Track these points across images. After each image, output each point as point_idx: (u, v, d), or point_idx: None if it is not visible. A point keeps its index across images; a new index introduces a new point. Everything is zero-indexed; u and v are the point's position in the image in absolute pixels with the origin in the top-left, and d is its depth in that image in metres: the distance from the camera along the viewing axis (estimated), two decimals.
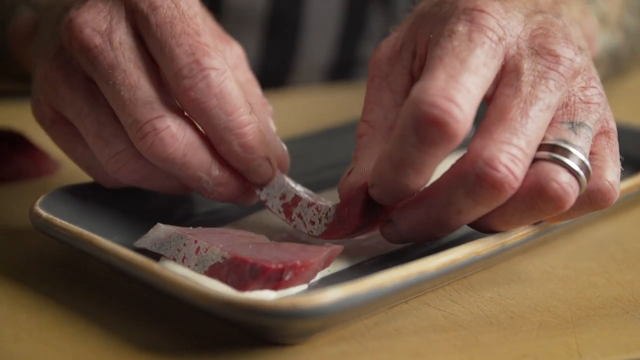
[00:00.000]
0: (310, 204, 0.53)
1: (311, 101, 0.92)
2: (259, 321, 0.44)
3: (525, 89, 0.48)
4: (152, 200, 0.58)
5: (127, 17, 0.53)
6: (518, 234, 0.51)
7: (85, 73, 0.54)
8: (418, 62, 0.53)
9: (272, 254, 0.49)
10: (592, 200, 0.51)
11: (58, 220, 0.50)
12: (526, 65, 0.49)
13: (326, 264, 0.50)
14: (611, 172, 0.51)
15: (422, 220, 0.50)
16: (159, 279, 0.46)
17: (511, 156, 0.46)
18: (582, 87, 0.51)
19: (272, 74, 0.61)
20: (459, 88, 0.46)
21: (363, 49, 1.02)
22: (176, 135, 0.52)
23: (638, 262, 0.56)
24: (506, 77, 0.49)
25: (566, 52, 0.50)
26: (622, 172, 0.52)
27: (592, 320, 0.50)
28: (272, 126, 0.58)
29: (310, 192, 0.56)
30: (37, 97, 0.56)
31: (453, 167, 0.48)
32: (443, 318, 0.49)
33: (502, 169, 0.46)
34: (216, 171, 0.54)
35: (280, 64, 0.96)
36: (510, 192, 0.47)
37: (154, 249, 0.52)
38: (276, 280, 0.47)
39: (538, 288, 0.53)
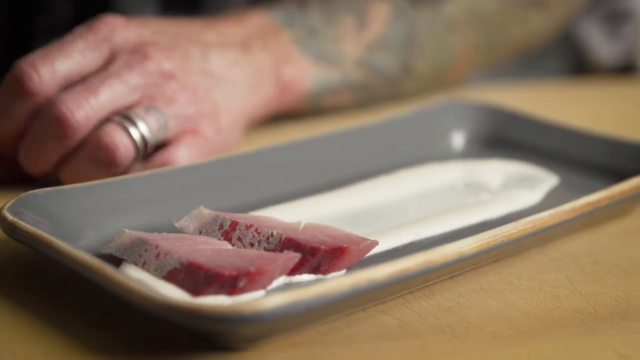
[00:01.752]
0: (248, 226, 0.54)
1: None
2: (200, 325, 0.44)
3: (112, 69, 0.63)
4: (129, 207, 0.59)
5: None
6: (476, 244, 0.51)
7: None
8: None
9: (229, 261, 0.50)
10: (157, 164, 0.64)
11: (21, 224, 0.51)
12: (122, 56, 0.64)
13: (283, 271, 0.50)
14: (184, 151, 0.65)
15: (20, 156, 0.63)
16: (108, 281, 0.46)
17: (77, 103, 0.60)
18: (174, 89, 0.65)
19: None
20: (47, 59, 0.62)
21: None
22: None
23: (606, 274, 0.56)
24: (104, 63, 0.64)
25: (158, 57, 0.64)
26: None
27: (549, 331, 0.50)
28: None
29: None
30: None
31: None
32: (397, 326, 0.49)
33: (65, 108, 0.60)
34: None
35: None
36: (70, 127, 0.60)
37: (118, 255, 0.53)
38: (230, 287, 0.48)
39: (499, 299, 0.53)
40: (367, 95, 0.85)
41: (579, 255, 0.58)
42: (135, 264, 0.51)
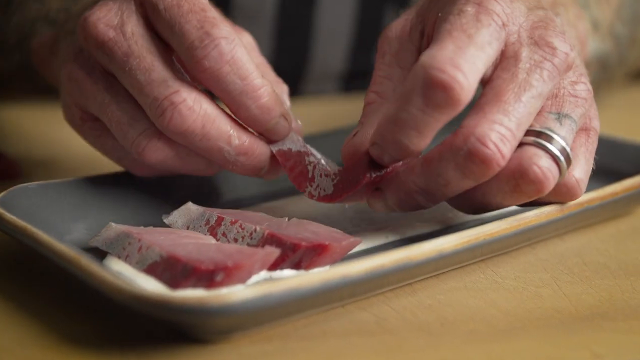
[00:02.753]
0: (233, 222, 0.54)
1: (324, 110, 0.93)
2: (169, 317, 0.45)
3: (522, 75, 0.52)
4: (121, 202, 0.60)
5: (137, 10, 0.57)
6: (457, 242, 0.51)
7: (103, 67, 0.57)
8: (426, 40, 0.57)
9: (208, 255, 0.50)
10: (557, 192, 0.54)
11: (7, 215, 0.52)
12: (524, 53, 0.53)
13: (262, 265, 0.51)
14: (580, 170, 0.55)
15: (410, 189, 0.53)
16: (83, 272, 0.47)
17: (501, 136, 0.50)
18: (573, 81, 0.55)
19: (283, 79, 0.64)
20: (466, 59, 0.49)
21: None
22: (193, 107, 0.54)
23: (593, 275, 0.56)
24: (505, 61, 0.53)
25: (562, 46, 0.53)
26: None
27: (526, 330, 0.50)
28: (287, 101, 0.61)
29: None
30: (65, 100, 0.60)
31: (445, 141, 0.51)
32: (374, 323, 0.50)
33: (492, 146, 0.50)
34: (236, 140, 0.56)
35: (292, 69, 0.96)
36: (496, 169, 0.50)
37: (103, 248, 0.53)
38: (207, 280, 0.48)
39: (481, 297, 0.53)
40: (601, 74, 0.80)
41: (568, 256, 0.58)
42: (119, 257, 0.52)
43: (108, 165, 0.62)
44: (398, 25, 0.59)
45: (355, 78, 1.00)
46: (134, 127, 0.56)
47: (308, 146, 0.59)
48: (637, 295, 0.53)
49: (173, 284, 0.49)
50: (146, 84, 0.55)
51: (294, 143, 0.58)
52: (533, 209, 0.55)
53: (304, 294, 0.46)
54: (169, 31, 0.55)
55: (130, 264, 0.51)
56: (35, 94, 0.87)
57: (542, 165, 0.51)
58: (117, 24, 0.56)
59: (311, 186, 0.57)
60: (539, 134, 0.52)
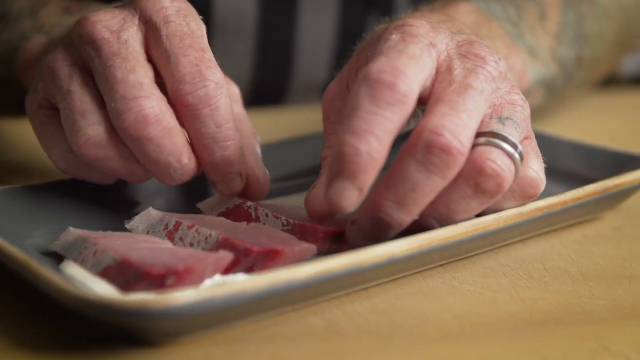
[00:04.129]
0: (190, 227, 0.55)
1: (307, 120, 0.93)
2: (114, 319, 0.45)
3: (458, 78, 0.53)
4: (84, 207, 0.60)
5: (139, 25, 0.58)
6: (408, 247, 0.51)
7: (83, 65, 0.58)
8: None
9: (161, 259, 0.50)
10: (521, 187, 0.56)
11: None
12: (457, 64, 0.54)
13: (215, 270, 0.51)
14: (535, 162, 0.56)
15: (382, 206, 0.52)
16: (31, 274, 0.48)
17: (454, 124, 0.51)
18: (507, 91, 0.56)
19: (267, 91, 0.64)
20: (402, 64, 0.51)
21: None
22: (159, 117, 0.55)
23: (552, 280, 0.56)
24: (440, 75, 0.54)
25: (491, 56, 0.55)
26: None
27: (477, 335, 0.50)
28: (258, 151, 0.62)
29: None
30: (34, 86, 0.61)
31: (403, 147, 0.52)
32: (324, 327, 0.50)
33: (447, 134, 0.50)
34: (185, 159, 0.57)
35: (275, 82, 0.96)
36: (458, 157, 0.51)
37: (62, 252, 0.54)
38: (158, 285, 0.49)
39: (436, 302, 0.53)
40: (548, 96, 0.82)
41: (530, 261, 0.58)
42: (76, 261, 0.52)
43: None
44: (335, 86, 0.60)
45: None
46: (86, 118, 0.56)
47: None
48: (594, 301, 0.53)
49: (125, 287, 0.49)
50: (121, 81, 0.55)
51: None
52: (491, 214, 0.55)
53: (249, 297, 0.46)
54: (164, 58, 0.57)
55: (85, 267, 0.51)
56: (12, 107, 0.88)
57: (496, 159, 0.52)
58: (116, 30, 0.57)
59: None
60: (487, 135, 0.53)
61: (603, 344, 0.49)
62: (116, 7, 0.59)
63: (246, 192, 0.60)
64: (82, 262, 0.52)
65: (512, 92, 0.56)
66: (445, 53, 0.55)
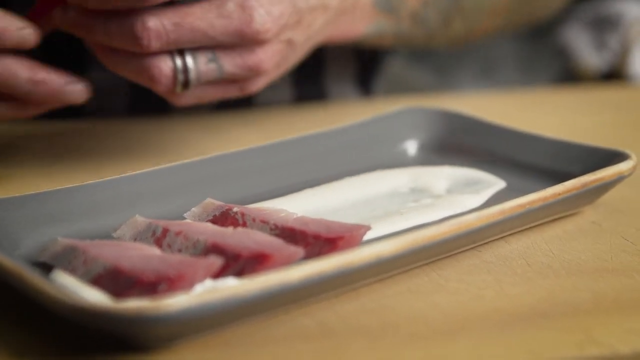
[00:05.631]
0: (177, 233, 0.55)
1: (278, 122, 0.93)
2: (108, 326, 0.46)
3: (211, 15, 0.63)
4: (69, 217, 0.60)
5: None
6: (395, 247, 0.52)
7: None
8: None
9: (151, 266, 0.51)
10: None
11: None
12: (228, 6, 0.63)
13: (205, 275, 0.52)
14: (191, 95, 0.68)
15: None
16: (23, 283, 0.48)
17: (157, 32, 0.62)
18: (252, 50, 0.66)
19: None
20: None
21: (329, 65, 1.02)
22: None
23: (535, 276, 0.57)
24: (209, 1, 0.64)
25: (260, 23, 0.64)
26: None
27: (464, 331, 0.50)
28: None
29: None
30: None
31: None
32: (316, 328, 0.51)
33: (146, 34, 0.62)
34: (24, 73, 0.64)
35: None
36: (136, 48, 0.62)
37: (50, 262, 0.54)
38: (150, 291, 0.49)
39: (424, 300, 0.54)
40: (404, 43, 0.88)
41: (513, 257, 0.59)
42: (65, 270, 0.53)
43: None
44: None
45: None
46: None
47: None
48: (577, 294, 0.54)
49: (117, 295, 0.49)
50: None
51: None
52: (473, 213, 0.56)
53: (243, 301, 0.47)
54: None
55: (76, 276, 0.52)
56: None
57: (162, 69, 0.64)
58: None
59: None
60: (182, 54, 0.64)
61: (589, 335, 0.50)
62: None
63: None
64: (72, 271, 0.52)
65: (255, 54, 0.65)
66: None
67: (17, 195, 0.59)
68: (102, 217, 0.61)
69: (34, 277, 0.48)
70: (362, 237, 0.57)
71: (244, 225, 0.58)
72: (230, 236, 0.55)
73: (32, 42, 0.65)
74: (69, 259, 0.53)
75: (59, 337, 0.50)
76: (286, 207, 0.62)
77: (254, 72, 0.66)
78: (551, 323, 0.51)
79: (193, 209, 0.61)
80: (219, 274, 0.53)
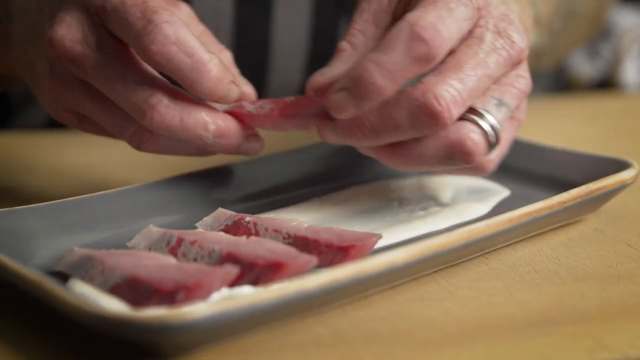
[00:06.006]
0: (192, 242, 0.56)
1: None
2: (131, 335, 0.46)
3: (482, 54, 0.58)
4: (82, 227, 0.61)
5: (93, 19, 0.61)
6: (408, 255, 0.53)
7: (79, 78, 0.61)
8: (403, 6, 0.61)
9: (169, 275, 0.52)
10: (474, 166, 0.62)
11: None
12: (488, 38, 0.59)
13: (222, 283, 0.52)
14: (498, 152, 0.62)
15: (362, 124, 0.58)
16: (46, 294, 0.49)
17: (453, 98, 0.56)
18: (518, 74, 0.61)
19: None
20: (445, 26, 0.56)
21: None
22: (169, 105, 0.59)
23: (543, 282, 0.58)
24: (470, 39, 0.59)
25: (520, 42, 0.60)
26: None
27: (477, 337, 0.51)
28: (233, 68, 0.66)
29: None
30: (52, 108, 0.65)
31: (404, 90, 0.57)
32: (330, 335, 0.51)
33: (444, 104, 0.56)
34: (212, 125, 0.61)
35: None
36: (441, 126, 0.56)
37: (67, 271, 0.55)
38: (169, 300, 0.50)
39: (435, 307, 0.55)
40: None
41: (520, 264, 0.60)
42: (83, 280, 0.53)
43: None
44: None
45: None
46: (126, 127, 0.61)
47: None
48: (585, 301, 0.55)
49: (135, 304, 0.50)
50: (123, 91, 0.59)
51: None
52: (483, 221, 0.57)
53: (261, 309, 0.48)
54: (118, 28, 0.59)
55: (93, 285, 0.52)
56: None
57: (477, 140, 0.58)
58: (82, 38, 0.60)
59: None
60: (480, 114, 0.58)
61: (599, 341, 0.51)
62: (62, 10, 0.61)
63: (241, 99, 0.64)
64: (89, 281, 0.53)
65: (523, 77, 0.61)
66: (485, 20, 0.59)
67: (31, 205, 0.60)
68: (115, 226, 0.62)
69: (55, 287, 0.49)
70: (373, 246, 0.58)
71: (257, 234, 0.59)
72: (244, 245, 0.56)
73: (254, 154, 0.65)
74: (86, 269, 0.54)
75: (75, 345, 0.51)
76: (296, 216, 0.63)
77: (528, 93, 0.62)
78: (561, 329, 0.52)
79: (205, 218, 0.62)
80: (234, 283, 0.53)
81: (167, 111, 0.59)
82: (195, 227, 0.62)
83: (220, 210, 0.62)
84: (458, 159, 0.58)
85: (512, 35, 0.60)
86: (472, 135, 0.58)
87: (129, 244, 0.59)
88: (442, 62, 0.57)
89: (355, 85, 0.57)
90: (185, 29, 0.59)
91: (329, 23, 0.99)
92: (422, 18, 0.56)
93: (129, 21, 0.58)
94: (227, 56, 0.67)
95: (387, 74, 0.56)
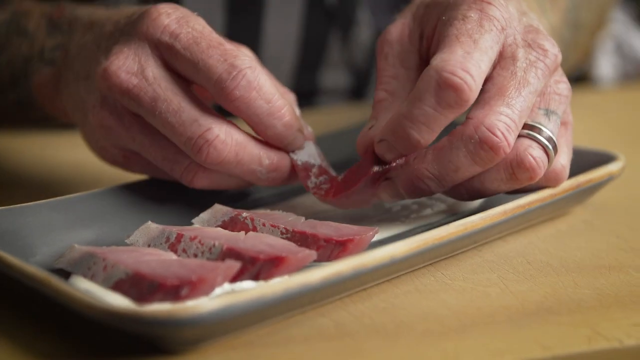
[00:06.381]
0: (192, 238, 0.57)
1: None
2: (142, 330, 0.47)
3: (520, 73, 0.58)
4: (81, 224, 0.61)
5: (153, 52, 0.61)
6: (407, 247, 0.54)
7: (131, 111, 0.61)
8: (426, 43, 0.62)
9: (171, 270, 0.52)
10: (547, 178, 0.61)
11: None
12: (521, 54, 0.59)
13: (224, 278, 0.53)
14: (564, 157, 0.62)
15: (422, 175, 0.59)
16: (55, 292, 0.49)
17: (507, 126, 0.56)
18: (556, 80, 0.62)
19: None
20: (473, 63, 0.56)
21: (322, 77, 1.05)
22: (225, 141, 0.59)
23: (537, 273, 0.59)
24: (503, 61, 0.59)
25: (552, 49, 0.60)
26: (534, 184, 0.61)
27: (476, 327, 0.52)
28: (297, 109, 0.66)
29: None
30: (99, 144, 0.64)
31: (455, 131, 0.57)
32: (333, 328, 0.52)
33: (500, 134, 0.56)
34: (266, 160, 0.62)
35: None
36: (502, 156, 0.57)
37: (68, 269, 0.55)
38: (173, 295, 0.50)
39: (432, 299, 0.56)
40: None
41: (513, 256, 0.61)
42: (85, 276, 0.54)
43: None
44: (396, 29, 0.64)
45: (301, 98, 1.02)
46: (178, 162, 0.61)
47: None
48: (579, 290, 0.57)
49: (140, 299, 0.51)
50: (178, 126, 0.59)
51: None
52: (478, 214, 0.58)
53: (268, 302, 0.48)
54: (191, 68, 0.60)
55: (96, 282, 0.53)
56: (28, 124, 0.88)
57: (535, 155, 0.58)
58: (138, 70, 0.60)
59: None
60: (531, 127, 0.59)
61: (595, 330, 0.52)
62: (121, 42, 0.61)
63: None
64: (91, 277, 0.53)
65: (561, 81, 0.62)
66: (512, 38, 0.59)
67: (29, 203, 0.60)
68: (112, 223, 0.62)
69: (63, 284, 0.49)
70: (370, 240, 0.58)
71: (254, 229, 0.60)
72: (243, 241, 0.57)
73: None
74: (88, 266, 0.54)
75: (79, 341, 0.51)
76: (292, 211, 0.63)
77: (570, 97, 0.62)
78: (557, 318, 0.53)
79: (201, 214, 0.62)
80: (235, 278, 0.54)
81: (223, 147, 0.59)
82: (192, 224, 0.62)
83: (217, 206, 0.62)
84: (521, 177, 0.58)
85: (544, 44, 0.60)
86: (530, 150, 0.58)
87: (127, 241, 0.59)
88: (483, 91, 0.58)
89: (393, 138, 0.58)
90: (264, 75, 0.60)
91: (318, 33, 1.00)
92: (448, 62, 0.55)
93: (208, 64, 0.59)
94: (292, 98, 0.67)
95: (421, 126, 0.56)
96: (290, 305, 0.51)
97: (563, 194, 0.63)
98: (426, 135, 0.57)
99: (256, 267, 0.54)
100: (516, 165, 0.58)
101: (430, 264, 0.60)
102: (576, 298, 0.56)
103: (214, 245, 0.56)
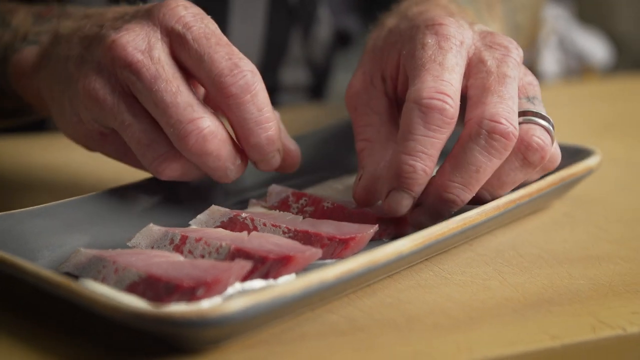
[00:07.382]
0: (197, 239, 0.57)
1: None
2: (169, 330, 0.47)
3: (494, 69, 0.61)
4: (81, 228, 0.62)
5: (162, 38, 0.61)
6: (413, 244, 0.55)
7: (124, 89, 0.61)
8: (390, 83, 0.66)
9: (184, 272, 0.53)
10: (550, 160, 0.64)
11: None
12: (487, 56, 0.62)
13: (236, 278, 0.54)
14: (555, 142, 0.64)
15: (448, 188, 0.60)
16: (77, 296, 0.49)
17: (506, 111, 0.59)
18: (524, 73, 0.64)
19: None
20: (445, 84, 0.58)
21: (283, 74, 1.06)
22: (215, 133, 0.60)
23: (531, 265, 0.61)
24: (474, 68, 0.61)
25: (512, 44, 0.63)
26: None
27: (484, 319, 0.54)
28: (282, 126, 0.66)
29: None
30: (77, 117, 0.64)
31: (462, 136, 0.59)
32: (345, 323, 0.53)
33: (504, 121, 0.58)
34: (238, 160, 0.62)
35: None
36: (514, 140, 0.59)
37: (76, 273, 0.55)
38: (189, 296, 0.51)
39: (436, 292, 0.57)
40: None
41: (504, 250, 0.63)
42: (95, 280, 0.54)
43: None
44: (358, 80, 0.67)
45: None
46: (153, 149, 0.61)
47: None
48: (575, 281, 0.59)
49: (157, 300, 0.51)
50: (172, 106, 0.59)
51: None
52: (474, 209, 0.59)
53: (289, 300, 0.49)
54: (197, 60, 0.60)
55: (108, 285, 0.53)
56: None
57: (539, 135, 0.60)
58: (145, 49, 0.61)
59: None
60: (524, 114, 0.61)
61: (598, 318, 0.54)
62: (132, 22, 0.62)
63: (282, 166, 0.66)
64: (102, 280, 0.54)
65: (528, 74, 0.64)
66: (473, 47, 0.62)
67: (29, 208, 0.60)
68: (109, 226, 0.62)
69: (83, 289, 0.49)
70: (370, 237, 0.60)
71: (255, 229, 0.60)
72: (249, 240, 0.57)
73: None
74: (98, 269, 0.55)
75: (96, 342, 0.51)
76: None
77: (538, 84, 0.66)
78: (559, 308, 0.55)
79: (199, 216, 0.63)
80: (246, 277, 0.55)
81: (211, 138, 0.60)
82: (189, 226, 0.63)
83: (214, 207, 0.63)
84: (533, 159, 0.60)
85: (503, 42, 0.62)
86: (532, 132, 0.60)
87: (129, 243, 0.59)
88: (470, 97, 0.60)
89: (399, 181, 0.59)
90: (262, 84, 0.61)
91: (281, 32, 1.01)
92: (422, 90, 0.58)
93: (213, 58, 0.60)
94: (278, 116, 0.67)
95: (420, 155, 0.58)
96: (308, 302, 0.52)
97: (549, 188, 0.65)
98: (428, 162, 0.58)
99: (266, 266, 0.55)
100: (525, 150, 0.60)
101: (427, 259, 0.61)
102: (573, 289, 0.58)
103: (221, 245, 0.56)
